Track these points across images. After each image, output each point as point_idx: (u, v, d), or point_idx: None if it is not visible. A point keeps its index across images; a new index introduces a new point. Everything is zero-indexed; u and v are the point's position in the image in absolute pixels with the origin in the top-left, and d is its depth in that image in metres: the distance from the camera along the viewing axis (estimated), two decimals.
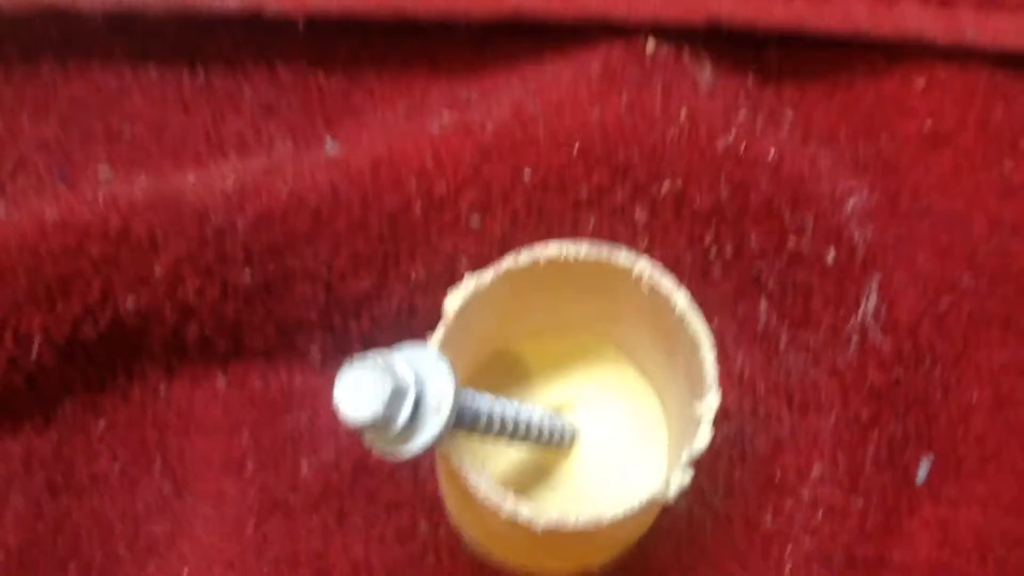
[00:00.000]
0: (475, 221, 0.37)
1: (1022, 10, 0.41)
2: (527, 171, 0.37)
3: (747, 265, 0.39)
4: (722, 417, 0.38)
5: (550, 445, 0.34)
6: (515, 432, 0.32)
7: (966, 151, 0.41)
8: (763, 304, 0.39)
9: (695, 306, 0.32)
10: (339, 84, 0.44)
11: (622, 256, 0.32)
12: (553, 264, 0.33)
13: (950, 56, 0.42)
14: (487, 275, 0.32)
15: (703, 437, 0.30)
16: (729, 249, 0.39)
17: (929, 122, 0.42)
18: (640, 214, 0.38)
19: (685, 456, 0.30)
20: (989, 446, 0.38)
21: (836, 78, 0.43)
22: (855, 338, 0.38)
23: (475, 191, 0.37)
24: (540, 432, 0.33)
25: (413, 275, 0.38)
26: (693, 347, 0.32)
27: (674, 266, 0.39)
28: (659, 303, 0.33)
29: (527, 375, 0.38)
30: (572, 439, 0.36)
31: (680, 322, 0.32)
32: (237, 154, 0.43)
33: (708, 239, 0.39)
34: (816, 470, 0.37)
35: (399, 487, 0.37)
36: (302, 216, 0.37)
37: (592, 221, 0.38)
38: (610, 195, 0.38)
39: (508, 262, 0.32)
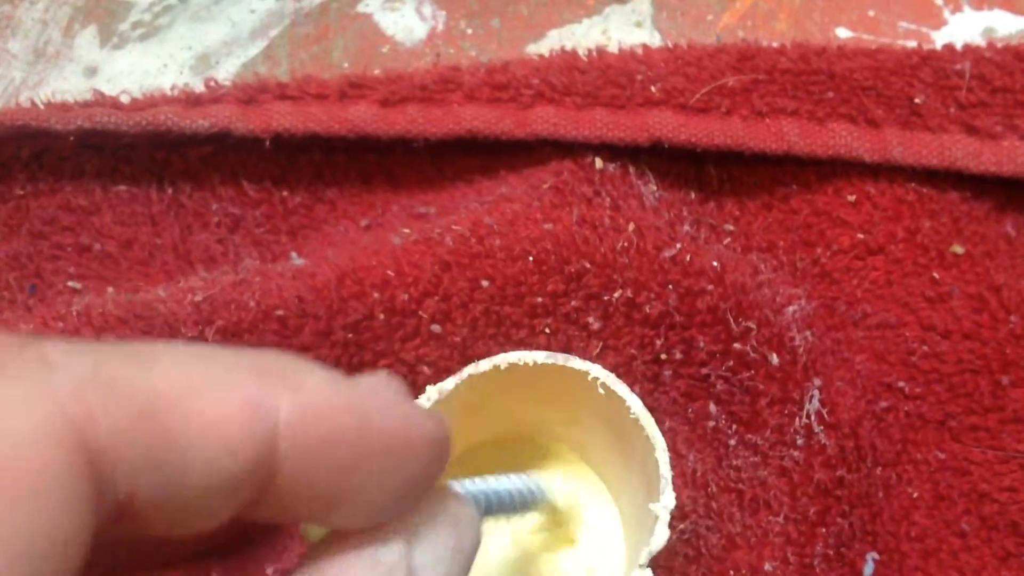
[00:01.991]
0: (436, 329, 0.39)
1: (943, 131, 0.44)
2: (485, 282, 0.39)
3: (696, 369, 0.41)
4: (677, 515, 0.39)
5: (527, 511, 0.35)
6: (514, 507, 0.33)
7: (897, 261, 0.43)
8: (712, 406, 0.41)
9: (647, 411, 0.33)
10: (303, 199, 0.46)
11: (576, 362, 0.34)
12: (513, 370, 0.34)
13: (878, 172, 0.44)
14: (449, 383, 0.33)
15: (660, 536, 0.31)
16: (678, 353, 0.40)
17: (861, 234, 0.44)
18: (593, 321, 0.40)
19: (644, 556, 0.31)
20: (930, 542, 0.39)
21: (773, 193, 0.46)
22: (800, 438, 0.39)
23: (435, 301, 0.39)
24: (526, 500, 0.34)
25: None
26: (647, 449, 0.33)
27: (626, 369, 0.40)
28: (614, 405, 0.34)
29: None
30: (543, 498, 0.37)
31: (634, 425, 0.33)
32: (204, 267, 0.44)
33: (658, 344, 0.40)
34: (768, 567, 0.38)
35: None
36: (269, 327, 0.38)
37: (547, 328, 0.40)
38: (564, 303, 0.40)
39: (469, 368, 0.34)
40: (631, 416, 0.33)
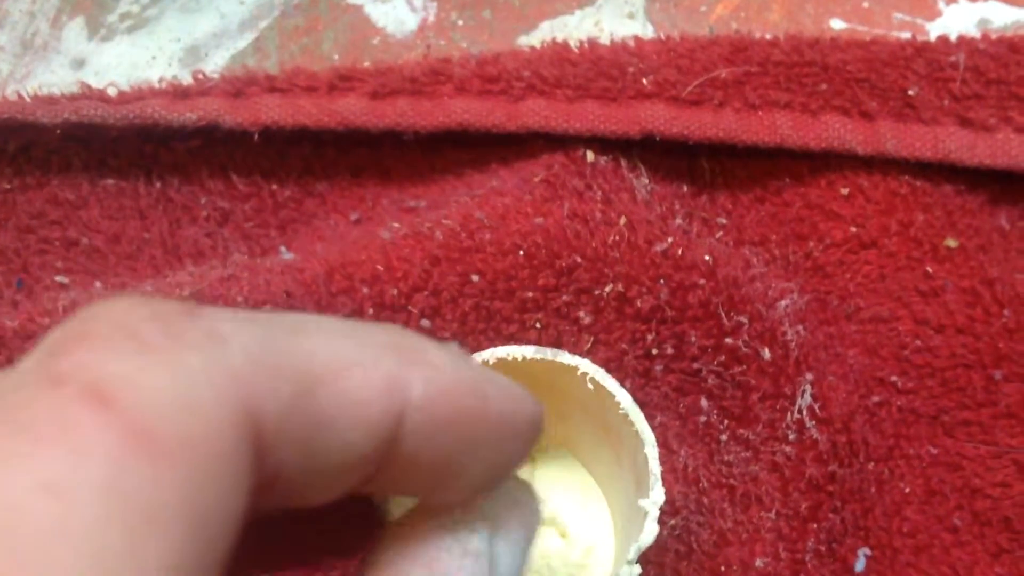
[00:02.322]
0: (426, 324, 0.38)
1: (937, 123, 0.44)
2: (475, 276, 0.39)
3: (687, 363, 0.40)
4: (668, 511, 0.39)
5: None
6: None
7: (890, 254, 0.43)
8: (704, 401, 0.40)
9: (637, 406, 0.33)
10: (292, 193, 0.46)
11: (565, 356, 0.34)
12: (500, 366, 0.34)
13: (872, 165, 0.44)
14: None
15: (650, 532, 0.31)
16: (670, 348, 0.40)
17: (854, 228, 0.44)
18: (584, 315, 0.40)
19: (633, 551, 0.31)
20: (922, 538, 0.39)
21: (765, 186, 0.45)
22: (792, 433, 0.39)
23: (425, 296, 0.39)
24: None
25: None
26: (637, 445, 0.33)
27: (617, 364, 0.40)
28: (603, 400, 0.34)
29: None
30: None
31: (624, 421, 0.33)
32: (193, 261, 0.44)
33: (650, 338, 0.40)
34: (759, 563, 0.38)
35: None
36: None
37: (538, 323, 0.40)
38: (555, 298, 0.39)
39: None
40: (620, 411, 0.33)
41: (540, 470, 0.40)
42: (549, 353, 0.34)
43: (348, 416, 0.18)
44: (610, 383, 0.33)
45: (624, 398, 0.33)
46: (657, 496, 0.32)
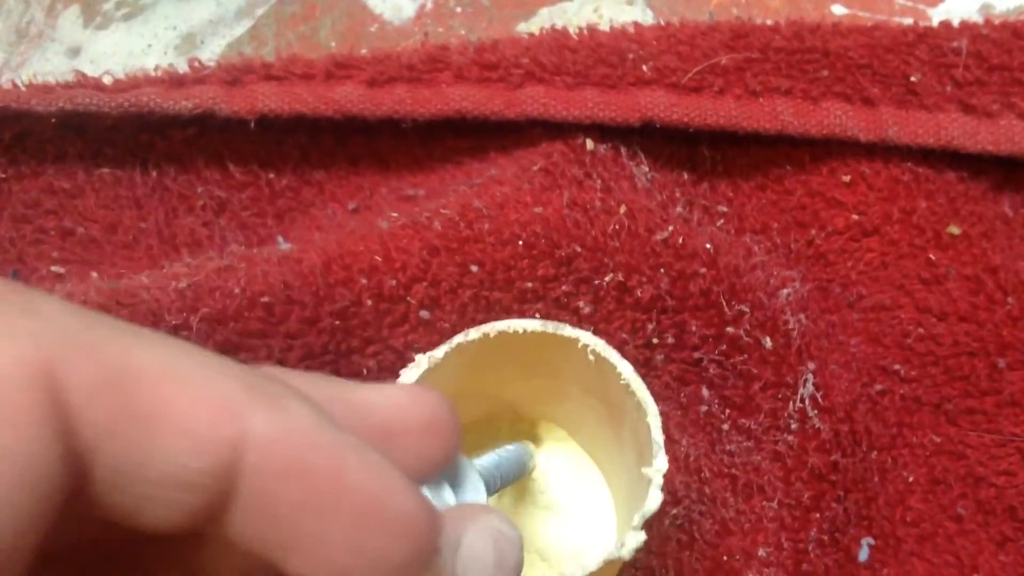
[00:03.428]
0: (425, 315, 0.38)
1: (939, 109, 0.43)
2: (474, 267, 0.38)
3: (688, 353, 0.40)
4: (670, 501, 0.39)
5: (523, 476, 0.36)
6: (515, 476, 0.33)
7: (892, 242, 0.43)
8: (705, 391, 0.40)
9: (638, 376, 0.33)
10: (289, 181, 0.45)
11: (567, 329, 0.33)
12: (503, 338, 0.33)
13: (874, 152, 0.44)
14: (439, 351, 0.33)
15: (654, 499, 0.31)
16: (671, 338, 0.40)
17: (856, 215, 0.43)
18: (584, 305, 0.39)
19: (637, 518, 0.30)
20: (925, 527, 0.39)
21: (767, 174, 0.45)
22: (794, 423, 0.39)
23: (424, 286, 0.38)
24: (524, 467, 0.35)
25: (365, 369, 0.38)
26: (639, 416, 0.32)
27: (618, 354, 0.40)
28: (605, 374, 0.33)
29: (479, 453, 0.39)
30: (533, 462, 0.37)
31: (625, 391, 0.33)
32: (189, 251, 0.43)
33: (650, 328, 0.40)
34: (762, 552, 0.38)
35: None
36: (255, 313, 0.37)
37: (537, 313, 0.39)
38: (554, 288, 0.39)
39: (459, 337, 0.33)
40: (622, 382, 0.33)
41: (542, 451, 0.39)
42: (551, 326, 0.33)
43: (170, 425, 0.17)
44: (611, 354, 0.33)
45: (625, 368, 0.33)
46: (661, 463, 0.31)
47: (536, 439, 0.40)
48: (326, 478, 0.19)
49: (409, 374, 0.32)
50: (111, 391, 0.17)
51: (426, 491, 0.24)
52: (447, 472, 0.25)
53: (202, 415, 0.18)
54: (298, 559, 0.19)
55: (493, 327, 0.33)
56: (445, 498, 0.24)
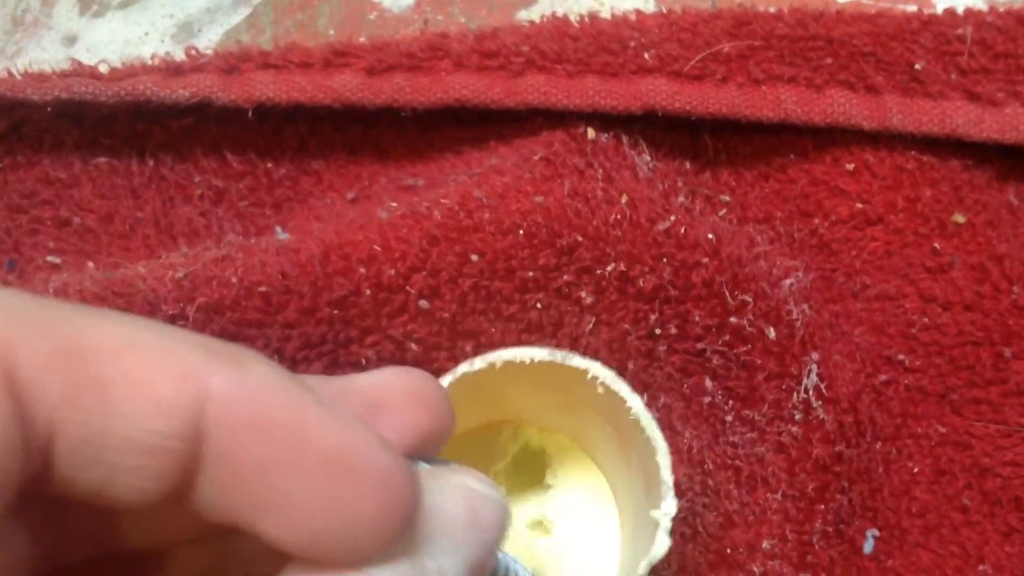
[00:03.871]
0: (424, 305, 0.38)
1: (944, 97, 0.43)
2: (474, 256, 0.38)
3: (691, 343, 0.40)
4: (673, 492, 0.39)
5: None
6: None
7: (897, 231, 0.43)
8: (708, 381, 0.40)
9: (649, 414, 0.32)
10: (287, 171, 0.45)
11: (575, 359, 0.33)
12: (509, 368, 0.33)
13: (878, 140, 0.43)
14: (443, 381, 0.32)
15: (661, 545, 0.30)
16: (673, 328, 0.40)
17: (860, 204, 0.43)
18: (585, 295, 0.39)
19: (643, 567, 0.30)
20: (931, 518, 0.39)
21: (769, 162, 0.45)
22: (798, 413, 0.39)
23: (424, 276, 0.38)
24: None
25: (363, 359, 0.38)
26: (648, 452, 0.32)
27: (620, 345, 0.39)
28: (614, 406, 0.33)
29: (488, 464, 0.39)
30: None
31: (635, 426, 0.32)
32: (187, 241, 0.43)
33: (653, 318, 0.39)
34: (766, 545, 0.38)
35: None
36: (252, 303, 0.37)
37: (538, 303, 0.39)
38: (555, 278, 0.39)
39: (464, 367, 0.32)
40: (632, 417, 0.32)
41: (550, 463, 0.39)
42: (559, 356, 0.33)
43: (130, 391, 0.17)
44: (621, 388, 0.32)
45: (635, 403, 0.32)
46: (669, 507, 0.31)
47: (539, 447, 0.40)
48: (291, 433, 0.18)
49: None
50: (65, 364, 0.17)
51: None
52: (431, 460, 0.25)
53: (161, 379, 0.18)
54: (270, 520, 0.19)
55: (499, 356, 0.33)
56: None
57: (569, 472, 0.39)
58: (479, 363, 0.33)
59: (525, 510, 0.39)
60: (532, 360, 0.33)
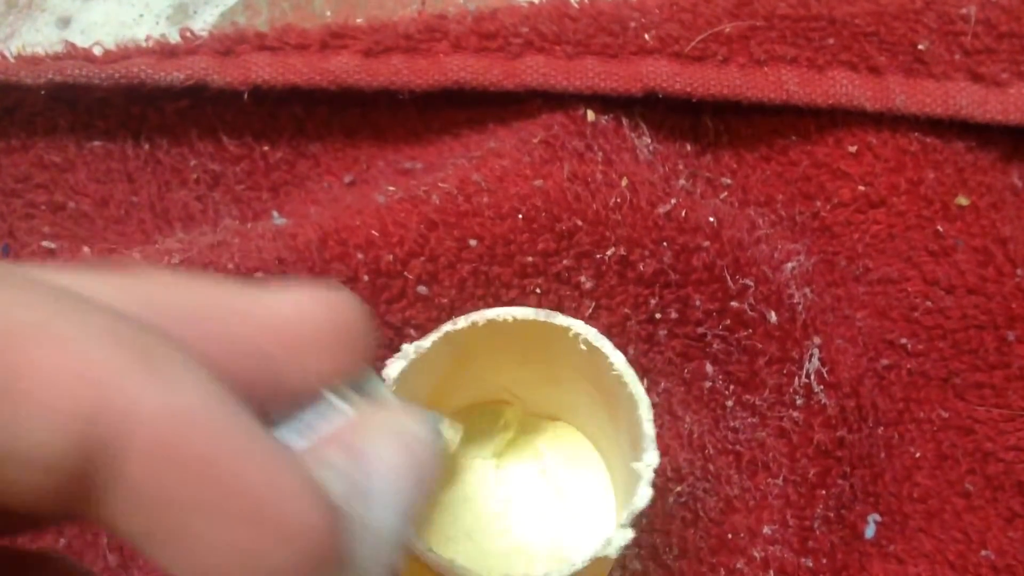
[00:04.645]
0: (422, 291, 0.37)
1: (947, 78, 0.43)
2: (473, 241, 0.38)
3: (692, 328, 0.40)
4: (674, 478, 0.38)
5: None
6: None
7: (900, 214, 0.42)
8: (709, 366, 0.40)
9: (631, 368, 0.32)
10: (284, 154, 0.44)
11: (559, 318, 0.33)
12: (492, 327, 0.33)
13: (881, 122, 0.43)
14: (427, 340, 0.32)
15: (643, 496, 0.30)
16: (674, 312, 0.39)
17: (862, 186, 0.43)
18: (585, 280, 0.39)
19: (626, 516, 0.30)
20: (933, 503, 0.39)
21: (771, 144, 0.44)
22: (799, 398, 0.38)
23: (422, 262, 0.38)
24: None
25: None
26: (632, 406, 0.32)
27: (620, 329, 0.39)
28: (597, 364, 0.33)
29: (475, 438, 0.38)
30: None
31: (618, 382, 0.32)
32: (183, 226, 0.43)
33: (653, 303, 0.39)
34: (766, 530, 0.37)
35: None
36: None
37: (538, 288, 0.39)
38: (555, 262, 0.38)
39: (447, 325, 0.32)
40: (614, 373, 0.32)
41: (539, 435, 0.39)
42: (542, 314, 0.33)
43: (33, 394, 0.15)
44: (604, 344, 0.32)
45: (618, 359, 0.32)
46: (651, 459, 0.30)
47: (534, 423, 0.40)
48: (210, 470, 0.16)
49: (395, 364, 0.31)
50: None
51: (332, 399, 0.22)
52: (357, 381, 0.23)
53: (64, 384, 0.15)
54: (170, 554, 0.17)
55: (483, 315, 0.33)
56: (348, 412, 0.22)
57: (561, 447, 0.39)
58: (462, 322, 0.32)
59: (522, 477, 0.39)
60: (515, 318, 0.33)
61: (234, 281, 0.20)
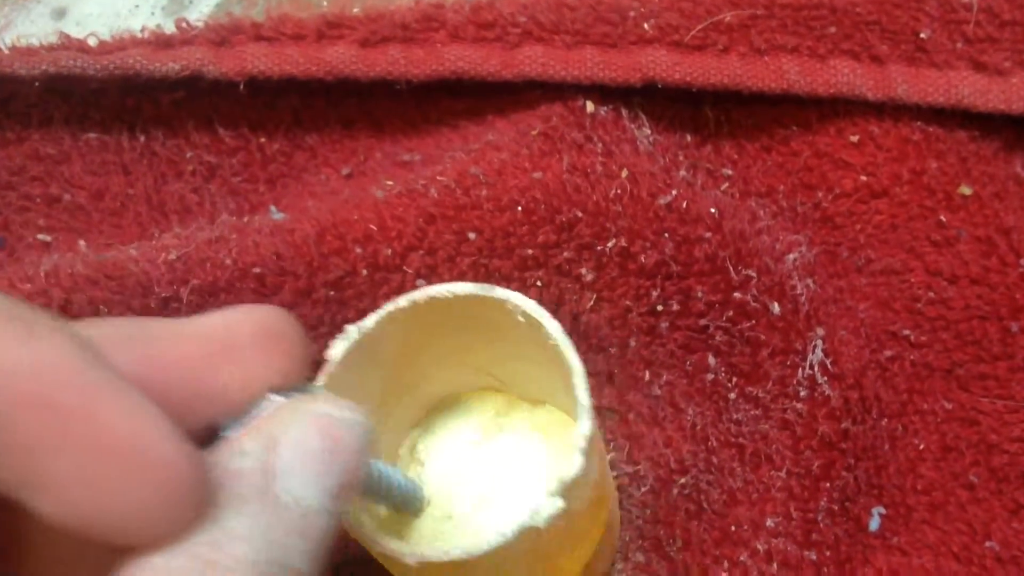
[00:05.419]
0: (422, 285, 0.37)
1: (949, 67, 0.42)
2: (472, 234, 0.37)
3: (694, 320, 0.39)
4: (677, 470, 0.38)
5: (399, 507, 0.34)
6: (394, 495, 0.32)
7: (902, 204, 0.42)
8: (711, 358, 0.39)
9: (566, 336, 0.31)
10: (281, 146, 0.44)
11: (497, 291, 0.32)
12: (435, 304, 0.32)
13: (883, 111, 0.43)
14: (369, 320, 0.32)
15: (573, 465, 0.29)
16: (675, 304, 0.39)
17: (864, 177, 0.42)
18: (586, 272, 0.38)
19: (555, 484, 0.29)
20: (937, 495, 0.38)
21: (772, 135, 0.44)
22: (803, 390, 0.38)
23: (421, 255, 0.37)
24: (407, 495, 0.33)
25: None
26: (568, 376, 0.31)
27: (622, 322, 0.39)
28: (536, 335, 0.32)
29: (430, 417, 0.38)
30: (420, 506, 0.35)
31: (556, 352, 0.32)
32: (179, 218, 0.42)
33: (655, 294, 0.39)
34: (770, 523, 0.37)
35: None
36: (247, 285, 0.36)
37: (539, 281, 0.38)
38: (555, 255, 0.38)
39: (388, 305, 0.32)
40: (551, 342, 0.31)
41: (499, 415, 0.38)
42: (481, 289, 0.32)
43: None
44: (541, 314, 0.32)
45: (553, 327, 0.31)
46: (584, 428, 0.30)
47: (518, 406, 0.39)
48: (74, 415, 0.18)
49: (339, 345, 0.31)
50: None
51: (271, 397, 0.23)
52: (301, 387, 0.24)
53: None
54: (44, 500, 0.18)
55: (425, 292, 0.32)
56: None
57: (545, 430, 0.38)
58: (403, 300, 0.32)
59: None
60: (455, 294, 0.32)
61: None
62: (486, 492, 0.37)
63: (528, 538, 0.29)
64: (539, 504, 0.29)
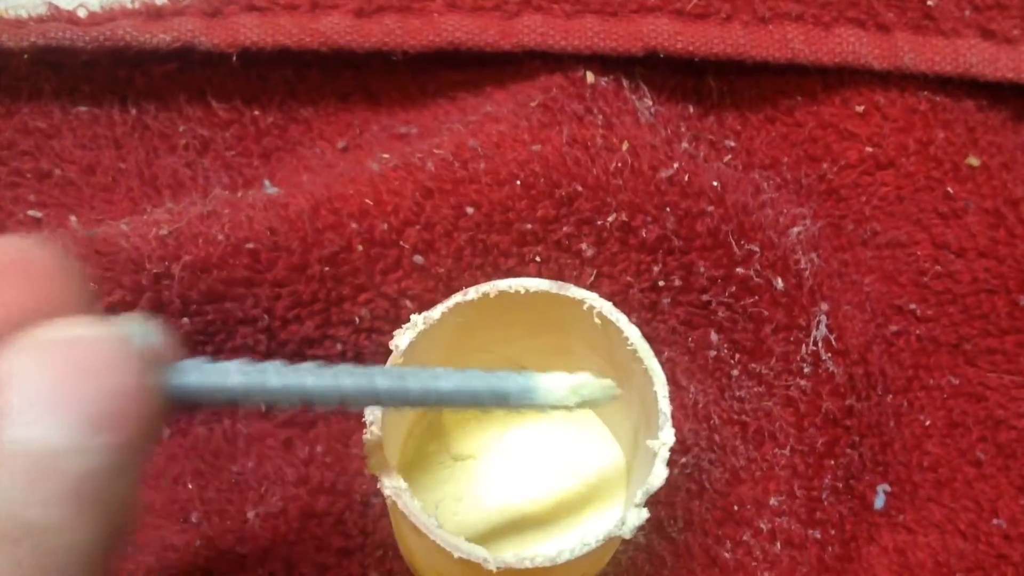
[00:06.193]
0: (419, 260, 0.37)
1: (957, 35, 0.41)
2: (470, 209, 0.37)
3: (696, 295, 0.39)
4: (678, 449, 0.38)
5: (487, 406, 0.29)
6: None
7: (908, 175, 0.41)
8: (714, 335, 0.39)
9: (646, 343, 0.31)
10: (275, 119, 0.43)
11: (572, 290, 0.32)
12: (503, 298, 0.32)
13: (889, 80, 0.42)
14: (436, 311, 0.31)
15: (658, 475, 0.29)
16: (677, 280, 0.38)
17: (870, 148, 0.42)
18: (586, 247, 0.38)
19: (640, 495, 0.29)
20: (943, 472, 0.38)
21: (776, 105, 0.43)
22: (807, 366, 0.38)
23: (417, 230, 0.37)
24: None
25: (357, 318, 0.37)
26: (646, 383, 0.31)
27: (622, 298, 0.38)
28: (611, 337, 0.32)
29: (483, 414, 0.38)
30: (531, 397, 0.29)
31: (632, 358, 0.31)
32: (171, 193, 0.42)
33: (656, 270, 0.38)
34: (773, 501, 0.37)
35: (348, 535, 0.36)
36: (240, 261, 0.35)
37: (537, 256, 0.38)
38: (555, 229, 0.38)
39: (457, 297, 0.32)
40: (629, 348, 0.31)
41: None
42: (555, 286, 0.32)
43: None
44: (619, 318, 0.32)
45: (633, 333, 0.31)
46: (667, 437, 0.30)
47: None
48: None
49: (404, 335, 0.31)
50: None
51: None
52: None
53: None
54: None
55: (494, 287, 0.32)
56: None
57: (570, 420, 0.38)
58: (473, 293, 0.32)
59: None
60: (527, 290, 0.32)
61: None
62: (511, 480, 0.37)
63: (607, 545, 0.29)
64: (626, 515, 0.29)
